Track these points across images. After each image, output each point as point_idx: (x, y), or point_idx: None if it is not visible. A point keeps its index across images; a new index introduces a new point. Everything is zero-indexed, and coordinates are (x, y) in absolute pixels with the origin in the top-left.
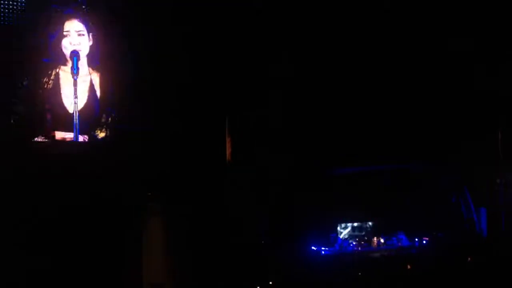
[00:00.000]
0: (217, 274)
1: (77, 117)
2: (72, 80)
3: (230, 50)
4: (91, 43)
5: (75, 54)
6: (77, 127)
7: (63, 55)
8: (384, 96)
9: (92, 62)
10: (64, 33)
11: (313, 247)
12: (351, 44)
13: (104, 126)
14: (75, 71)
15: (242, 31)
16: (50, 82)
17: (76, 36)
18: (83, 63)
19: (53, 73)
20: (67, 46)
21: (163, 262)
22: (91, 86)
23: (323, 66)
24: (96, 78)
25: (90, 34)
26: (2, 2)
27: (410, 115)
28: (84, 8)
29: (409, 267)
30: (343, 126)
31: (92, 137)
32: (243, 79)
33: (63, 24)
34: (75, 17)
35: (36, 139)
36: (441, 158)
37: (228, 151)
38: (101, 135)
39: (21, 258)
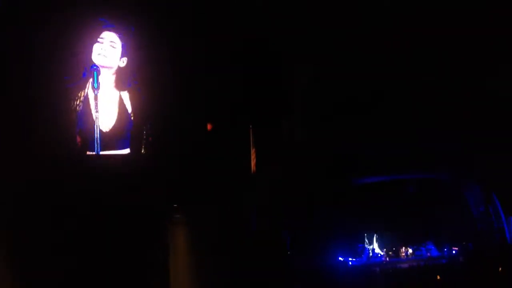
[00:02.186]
0: (242, 284)
1: (98, 132)
2: (96, 96)
3: (256, 65)
4: (123, 64)
5: (95, 69)
6: (98, 141)
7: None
8: (410, 106)
9: (123, 82)
10: (99, 39)
11: (340, 258)
12: (377, 56)
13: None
14: (95, 85)
15: (267, 46)
16: (80, 105)
17: (108, 45)
18: (110, 82)
19: (82, 95)
20: (95, 52)
21: (189, 270)
22: (121, 103)
23: (346, 77)
24: (126, 96)
25: (125, 55)
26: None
27: (436, 124)
28: (130, 30)
29: (438, 277)
30: (368, 135)
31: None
32: (267, 93)
33: (100, 33)
34: (114, 31)
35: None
36: (468, 167)
37: (253, 162)
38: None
39: (56, 262)
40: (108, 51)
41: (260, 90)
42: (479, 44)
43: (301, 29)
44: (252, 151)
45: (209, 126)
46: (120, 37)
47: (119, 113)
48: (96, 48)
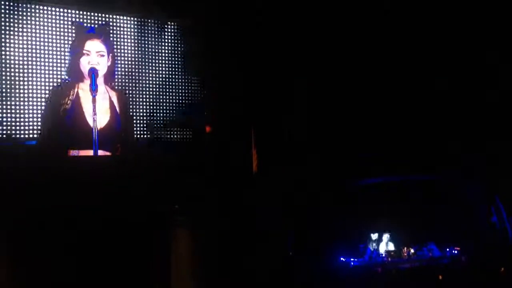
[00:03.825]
0: (244, 286)
1: (96, 133)
2: (91, 97)
3: (256, 63)
4: (109, 63)
5: (93, 71)
6: (97, 143)
7: (81, 72)
8: (411, 107)
9: (109, 79)
10: (84, 51)
11: (342, 259)
12: (380, 55)
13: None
14: (93, 88)
15: (267, 45)
16: (68, 102)
17: (95, 56)
18: (100, 81)
19: (72, 93)
20: (85, 65)
21: (190, 273)
22: (111, 103)
23: (348, 77)
24: (114, 97)
25: (110, 54)
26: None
27: (438, 124)
28: (108, 29)
29: (440, 278)
30: (369, 136)
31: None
32: (268, 92)
33: (84, 42)
34: (97, 38)
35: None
36: (470, 167)
37: (255, 163)
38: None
39: (52, 266)
40: (96, 61)
41: (261, 90)
42: (478, 43)
43: (302, 29)
44: (254, 151)
45: (207, 128)
46: (103, 42)
47: (111, 113)
48: (84, 61)
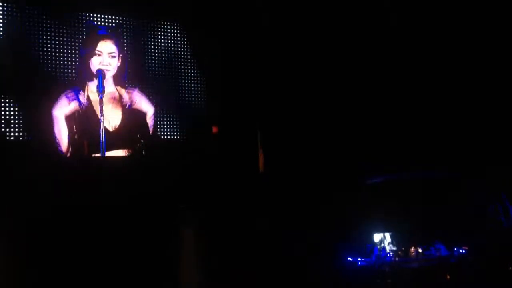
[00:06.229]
0: (250, 285)
1: (103, 135)
2: (101, 99)
3: (261, 67)
4: (119, 64)
5: (100, 73)
6: (104, 144)
7: (91, 72)
8: (418, 105)
9: (120, 80)
10: (96, 52)
11: (349, 258)
12: (386, 55)
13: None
14: (100, 89)
15: (272, 47)
16: (82, 105)
17: (107, 58)
18: (109, 83)
19: (83, 95)
20: (96, 65)
21: (198, 272)
22: (123, 103)
23: (352, 76)
24: (126, 97)
25: (120, 55)
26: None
27: (445, 122)
28: (119, 30)
29: (448, 277)
30: (376, 134)
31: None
32: (274, 93)
33: (96, 43)
34: (109, 38)
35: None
36: (477, 165)
37: (261, 163)
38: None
39: (57, 266)
40: (107, 62)
41: (266, 90)
42: (477, 42)
43: (306, 30)
44: (260, 150)
45: (214, 129)
46: (115, 43)
47: (124, 113)
48: (95, 61)
